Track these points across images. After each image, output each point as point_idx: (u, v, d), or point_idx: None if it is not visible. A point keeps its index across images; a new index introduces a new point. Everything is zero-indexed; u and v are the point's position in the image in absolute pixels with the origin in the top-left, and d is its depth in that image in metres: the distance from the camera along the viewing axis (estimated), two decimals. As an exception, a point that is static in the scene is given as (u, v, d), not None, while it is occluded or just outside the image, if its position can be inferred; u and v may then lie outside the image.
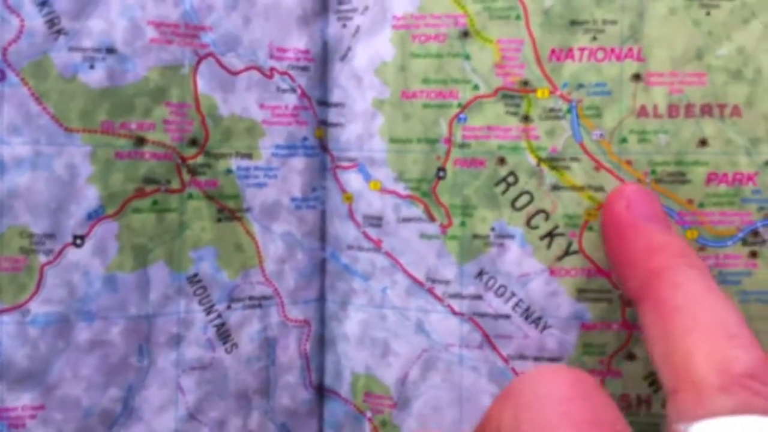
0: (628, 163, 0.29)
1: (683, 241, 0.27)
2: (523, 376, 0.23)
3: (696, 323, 0.23)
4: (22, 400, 0.27)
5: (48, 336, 0.27)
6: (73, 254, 0.27)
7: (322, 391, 0.32)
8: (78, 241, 0.27)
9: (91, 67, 0.27)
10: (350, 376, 0.31)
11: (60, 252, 0.27)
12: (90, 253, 0.27)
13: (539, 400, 0.21)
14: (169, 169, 0.28)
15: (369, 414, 0.31)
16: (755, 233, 0.28)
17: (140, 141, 0.28)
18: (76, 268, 0.27)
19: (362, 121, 0.30)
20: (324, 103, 0.31)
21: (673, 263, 0.25)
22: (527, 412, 0.21)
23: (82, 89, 0.27)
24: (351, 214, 0.31)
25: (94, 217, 0.27)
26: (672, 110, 0.28)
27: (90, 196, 0.27)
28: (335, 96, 0.31)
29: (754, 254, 0.28)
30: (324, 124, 0.31)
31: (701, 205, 0.29)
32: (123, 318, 0.28)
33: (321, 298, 0.31)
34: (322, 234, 0.31)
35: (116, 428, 0.28)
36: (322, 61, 0.31)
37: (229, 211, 0.29)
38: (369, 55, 0.30)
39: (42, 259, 0.27)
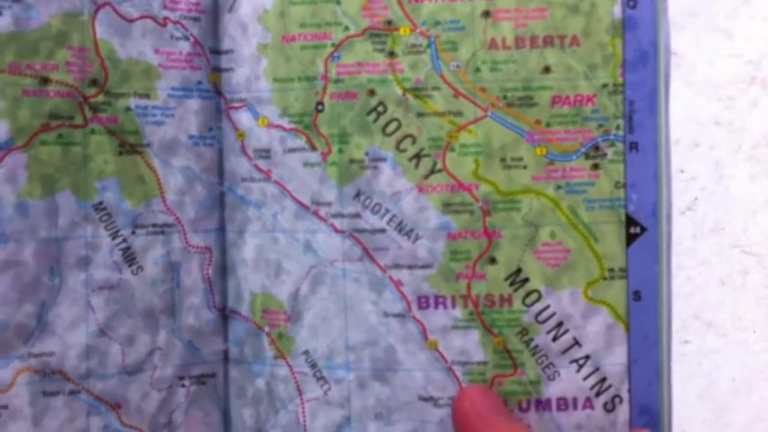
0: (483, 90, 0.32)
1: (526, 427, 0.31)
2: None
3: None
4: (-57, 316, 0.30)
5: (-35, 257, 0.30)
6: (-15, 182, 0.30)
7: (225, 313, 0.35)
8: (-10, 171, 0.30)
9: (-1, 14, 0.30)
10: (249, 297, 0.34)
11: (-27, 180, 0.30)
12: (1, 181, 0.30)
13: None
14: (72, 106, 0.31)
15: (267, 329, 0.34)
16: (596, 148, 0.32)
17: (45, 80, 0.31)
18: (-12, 195, 0.30)
19: (249, 65, 0.34)
20: (216, 52, 0.34)
21: None
22: None
23: (-10, 35, 0.30)
24: (243, 149, 0.34)
25: (5, 148, 0.30)
26: (518, 42, 0.32)
27: (1, 129, 0.30)
28: (225, 44, 0.34)
29: (595, 166, 0.32)
30: (218, 70, 0.34)
31: (548, 124, 0.32)
32: (34, 241, 0.31)
33: (221, 228, 0.35)
34: (220, 170, 0.35)
35: (32, 341, 0.31)
36: (213, 13, 0.34)
37: (130, 145, 0.33)
38: (253, 4, 0.33)
39: (-43, 186, 0.30)
